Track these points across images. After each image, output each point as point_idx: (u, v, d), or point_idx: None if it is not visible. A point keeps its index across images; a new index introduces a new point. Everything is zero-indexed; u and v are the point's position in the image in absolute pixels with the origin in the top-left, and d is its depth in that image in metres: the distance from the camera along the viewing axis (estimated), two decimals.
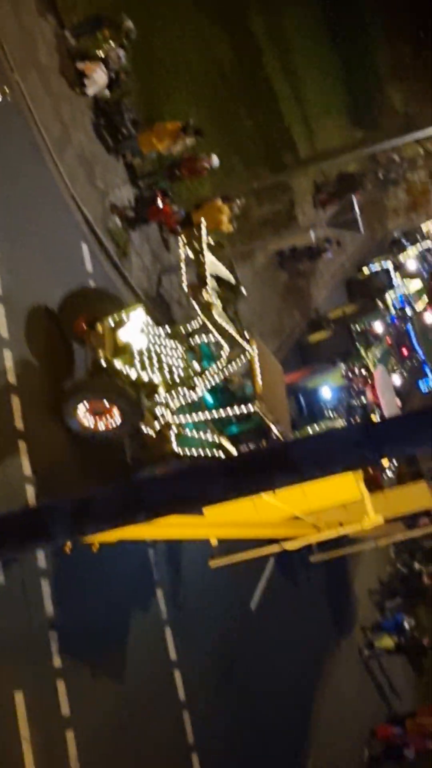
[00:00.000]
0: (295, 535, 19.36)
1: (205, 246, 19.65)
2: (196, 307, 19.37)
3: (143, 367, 19.25)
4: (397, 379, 33.73)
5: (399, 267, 40.77)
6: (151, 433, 19.26)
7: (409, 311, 37.04)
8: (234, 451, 19.97)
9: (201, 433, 19.76)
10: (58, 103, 22.57)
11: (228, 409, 19.98)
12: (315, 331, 34.03)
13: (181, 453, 19.38)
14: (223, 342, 19.55)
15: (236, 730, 23.41)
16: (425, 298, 39.59)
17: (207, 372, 19.70)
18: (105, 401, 18.57)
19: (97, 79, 23.50)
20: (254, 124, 35.17)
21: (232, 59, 34.66)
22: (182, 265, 19.91)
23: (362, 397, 28.15)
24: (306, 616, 29.48)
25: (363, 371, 28.93)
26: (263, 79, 37.44)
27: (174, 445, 19.29)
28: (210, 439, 19.78)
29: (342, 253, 37.94)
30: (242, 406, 19.91)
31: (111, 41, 24.08)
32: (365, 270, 40.47)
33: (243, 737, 23.61)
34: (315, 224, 33.51)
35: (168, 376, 19.61)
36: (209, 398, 20.25)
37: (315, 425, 26.51)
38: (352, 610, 33.67)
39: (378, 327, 34.25)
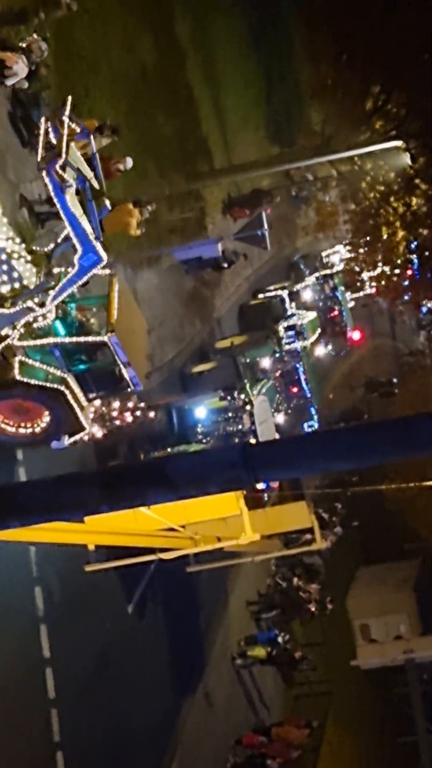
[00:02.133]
0: (172, 546, 19.46)
1: (67, 121, 18.53)
2: (47, 183, 18.16)
3: None
4: (281, 419, 32.10)
5: (294, 296, 39.61)
6: None
7: (299, 346, 35.74)
8: (79, 393, 19.50)
9: (47, 366, 19.21)
10: None
11: (77, 338, 19.43)
12: (200, 362, 32.66)
13: (24, 382, 18.89)
14: (75, 240, 18.48)
15: (104, 730, 23.50)
16: (318, 330, 38.72)
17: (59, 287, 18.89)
18: None
19: (18, 70, 23.32)
20: (172, 129, 35.22)
21: (155, 61, 34.65)
22: (40, 138, 18.82)
23: (239, 424, 27.55)
24: (182, 623, 29.61)
25: (243, 398, 28.17)
26: (185, 84, 37.51)
27: (16, 373, 18.81)
28: (56, 374, 19.22)
29: (248, 266, 38.17)
30: (92, 338, 19.41)
31: (35, 33, 23.97)
32: (260, 296, 39.24)
33: (110, 737, 23.70)
34: (224, 236, 33.69)
35: (18, 287, 18.98)
36: (60, 328, 19.57)
37: (186, 445, 26.00)
38: (228, 620, 33.87)
39: (266, 362, 32.59)
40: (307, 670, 36.80)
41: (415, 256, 44.33)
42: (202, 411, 27.48)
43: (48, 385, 19.13)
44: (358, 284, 46.09)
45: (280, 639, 34.25)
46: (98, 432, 21.23)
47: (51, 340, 19.31)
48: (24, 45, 23.49)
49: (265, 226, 31.06)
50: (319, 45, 42.89)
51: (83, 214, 18.76)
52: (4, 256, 19.05)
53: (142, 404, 21.23)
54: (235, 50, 43.66)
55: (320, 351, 39.94)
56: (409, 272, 46.03)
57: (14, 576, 21.04)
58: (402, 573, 50.27)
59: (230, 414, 27.45)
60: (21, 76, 23.50)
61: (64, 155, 18.16)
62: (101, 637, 24.34)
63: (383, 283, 44.93)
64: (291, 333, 35.95)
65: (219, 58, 41.27)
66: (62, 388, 19.21)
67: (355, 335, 44.45)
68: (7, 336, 18.78)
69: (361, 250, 44.18)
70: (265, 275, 40.92)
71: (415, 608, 48.23)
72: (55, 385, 19.19)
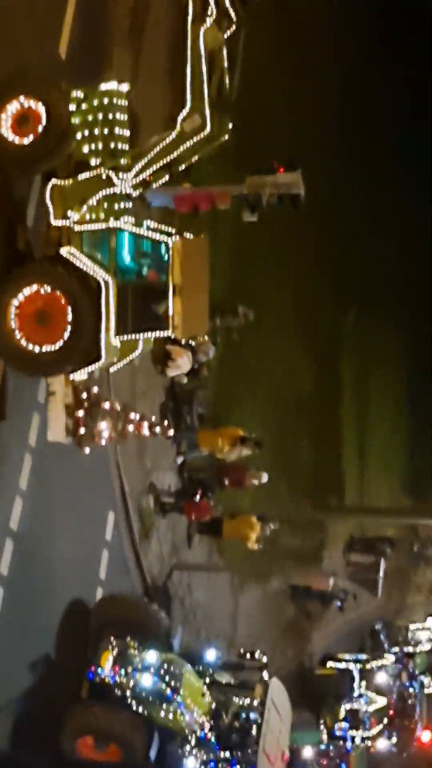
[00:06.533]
0: None
1: None
2: None
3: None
4: None
5: (366, 674, 34.02)
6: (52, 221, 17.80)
7: (356, 739, 31.28)
8: (113, 308, 17.83)
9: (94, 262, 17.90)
10: (135, 371, 22.97)
11: (142, 230, 18.10)
12: None
13: (65, 260, 17.71)
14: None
15: None
16: (385, 720, 33.85)
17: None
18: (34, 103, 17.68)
19: (181, 364, 24.00)
20: (312, 456, 35.67)
21: (311, 391, 35.50)
22: None
23: (247, 697, 20.99)
24: None
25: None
26: (335, 419, 38.24)
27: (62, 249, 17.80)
28: (100, 272, 17.81)
29: (354, 609, 37.49)
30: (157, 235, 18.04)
31: (206, 336, 24.81)
32: (329, 665, 34.33)
33: None
34: (336, 572, 33.39)
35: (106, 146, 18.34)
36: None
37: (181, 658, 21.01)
38: None
39: (307, 752, 27.83)
40: None
41: None
42: (212, 653, 22.56)
43: (88, 271, 17.71)
44: None
45: None
46: (105, 431, 19.17)
47: (114, 223, 18.03)
48: (193, 344, 24.27)
49: (381, 573, 30.71)
50: None
51: None
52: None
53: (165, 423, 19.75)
54: (391, 403, 44.59)
55: (381, 744, 33.96)
56: None
57: None
58: None
59: (240, 678, 22.47)
60: (183, 371, 24.16)
61: None
62: None
63: None
64: (345, 724, 31.57)
65: (374, 404, 42.16)
66: (101, 281, 17.74)
67: (425, 737, 36.75)
68: (68, 217, 17.95)
69: None
70: (345, 635, 38.55)
71: None
72: (96, 276, 17.76)
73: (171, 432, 22.50)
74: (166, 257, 18.05)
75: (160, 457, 24.45)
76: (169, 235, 18.18)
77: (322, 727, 30.92)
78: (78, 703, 19.15)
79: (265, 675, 21.49)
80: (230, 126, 19.40)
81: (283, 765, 21.32)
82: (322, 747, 29.98)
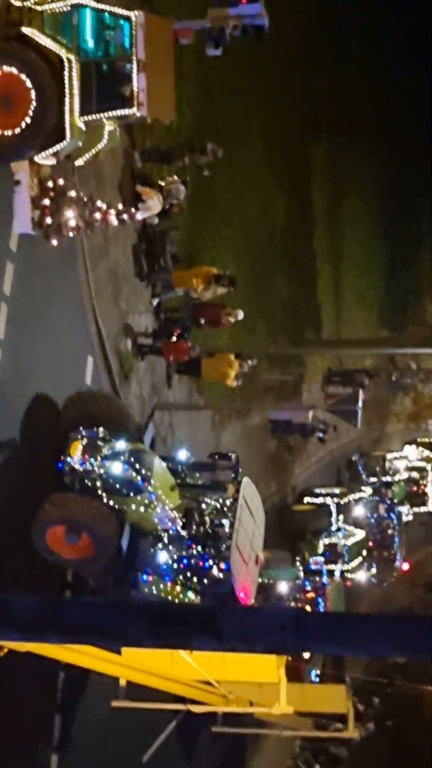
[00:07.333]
0: (203, 700, 19.03)
1: None
2: None
3: None
4: None
5: (344, 508, 34.50)
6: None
7: (328, 575, 31.14)
8: (76, 84, 17.84)
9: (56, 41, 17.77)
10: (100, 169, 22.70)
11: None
12: None
13: (30, 38, 17.47)
14: None
15: None
16: (364, 553, 34.02)
17: None
18: None
19: (151, 206, 23.85)
20: (288, 293, 35.65)
21: (285, 225, 35.29)
22: None
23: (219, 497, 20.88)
24: None
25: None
26: (309, 253, 38.08)
27: (24, 29, 17.50)
28: (62, 51, 17.77)
29: (334, 440, 38.02)
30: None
31: (176, 175, 24.58)
32: (306, 500, 35.11)
33: None
34: (316, 405, 33.70)
35: None
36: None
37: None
38: None
39: (283, 587, 27.20)
40: None
41: None
42: (183, 453, 21.75)
43: (51, 48, 17.58)
44: (424, 495, 42.43)
45: None
46: (72, 220, 19.03)
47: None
48: (163, 184, 24.06)
49: (360, 404, 30.98)
50: None
51: None
52: None
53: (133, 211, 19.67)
54: (365, 231, 44.34)
55: (361, 576, 34.25)
56: None
57: (38, 699, 20.59)
58: None
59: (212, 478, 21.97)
60: (153, 213, 24.00)
61: None
62: None
63: None
64: (321, 558, 31.87)
65: (347, 234, 41.91)
66: (64, 59, 17.64)
67: (404, 566, 38.20)
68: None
69: None
70: (326, 467, 39.02)
71: None
72: (59, 53, 17.62)
73: (138, 216, 22.37)
74: (129, 34, 17.84)
75: (135, 299, 24.44)
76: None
77: (298, 563, 30.92)
78: (49, 493, 18.94)
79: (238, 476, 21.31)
80: None
81: (257, 568, 21.19)
82: (299, 582, 29.39)
